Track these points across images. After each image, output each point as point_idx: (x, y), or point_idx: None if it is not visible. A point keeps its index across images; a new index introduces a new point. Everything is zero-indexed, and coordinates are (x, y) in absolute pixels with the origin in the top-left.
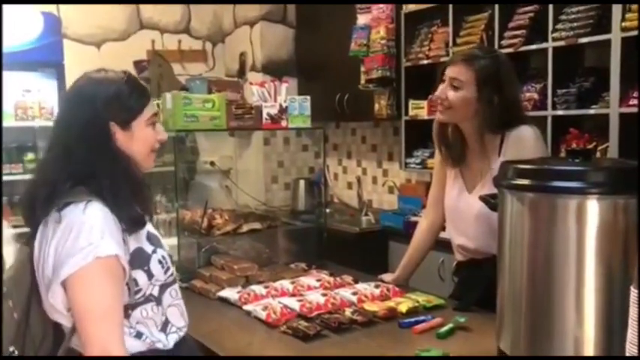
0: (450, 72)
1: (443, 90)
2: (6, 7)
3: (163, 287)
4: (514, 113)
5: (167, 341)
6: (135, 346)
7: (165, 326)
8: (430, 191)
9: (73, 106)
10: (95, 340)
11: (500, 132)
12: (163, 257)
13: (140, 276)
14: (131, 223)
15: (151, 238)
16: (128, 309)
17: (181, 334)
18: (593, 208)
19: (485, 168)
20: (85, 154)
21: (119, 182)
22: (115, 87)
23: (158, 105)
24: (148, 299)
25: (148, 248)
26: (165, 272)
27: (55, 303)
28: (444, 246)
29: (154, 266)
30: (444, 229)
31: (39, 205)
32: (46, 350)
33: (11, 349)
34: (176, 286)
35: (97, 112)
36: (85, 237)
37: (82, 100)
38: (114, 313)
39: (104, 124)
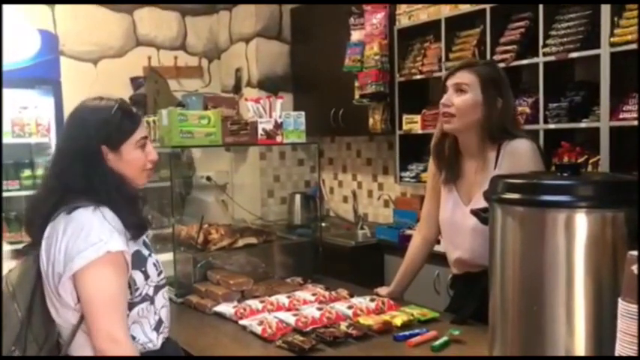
0: (453, 80)
1: (448, 97)
2: (3, 25)
3: (157, 289)
4: (512, 122)
5: (157, 341)
6: None
7: (159, 325)
8: (423, 206)
9: (69, 131)
10: (102, 326)
11: (497, 143)
12: (157, 261)
13: (138, 276)
14: (134, 229)
15: (146, 244)
16: (127, 308)
17: (166, 334)
18: (582, 221)
19: (482, 181)
20: (81, 172)
21: (114, 196)
22: (106, 114)
23: (154, 121)
24: (144, 298)
25: (145, 252)
26: (159, 275)
27: (65, 296)
28: (439, 259)
29: (150, 268)
30: (438, 242)
31: (40, 214)
32: (48, 351)
33: (12, 348)
34: (167, 289)
35: (90, 136)
36: (96, 234)
37: (77, 126)
38: (120, 303)
39: (96, 146)
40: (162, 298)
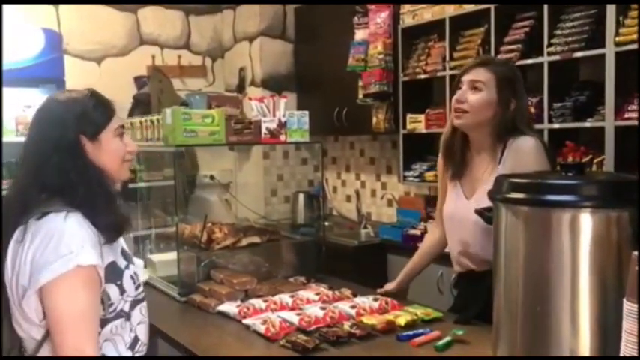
0: (469, 76)
1: (462, 93)
2: (7, 25)
3: (134, 304)
4: (524, 121)
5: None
6: None
7: (134, 343)
8: (437, 203)
9: (42, 127)
10: (70, 343)
11: (504, 140)
12: (135, 273)
13: (113, 290)
14: (108, 231)
15: (124, 253)
16: (99, 325)
17: (144, 352)
18: (587, 221)
19: (485, 176)
20: (58, 166)
21: (94, 191)
22: (81, 104)
23: (158, 120)
24: (118, 315)
25: (122, 263)
26: (136, 289)
27: (29, 311)
28: (443, 259)
29: (126, 281)
30: None
31: (12, 217)
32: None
33: None
34: (145, 303)
35: (67, 129)
36: (66, 245)
37: (51, 120)
38: (90, 321)
39: (74, 137)
40: (139, 314)
